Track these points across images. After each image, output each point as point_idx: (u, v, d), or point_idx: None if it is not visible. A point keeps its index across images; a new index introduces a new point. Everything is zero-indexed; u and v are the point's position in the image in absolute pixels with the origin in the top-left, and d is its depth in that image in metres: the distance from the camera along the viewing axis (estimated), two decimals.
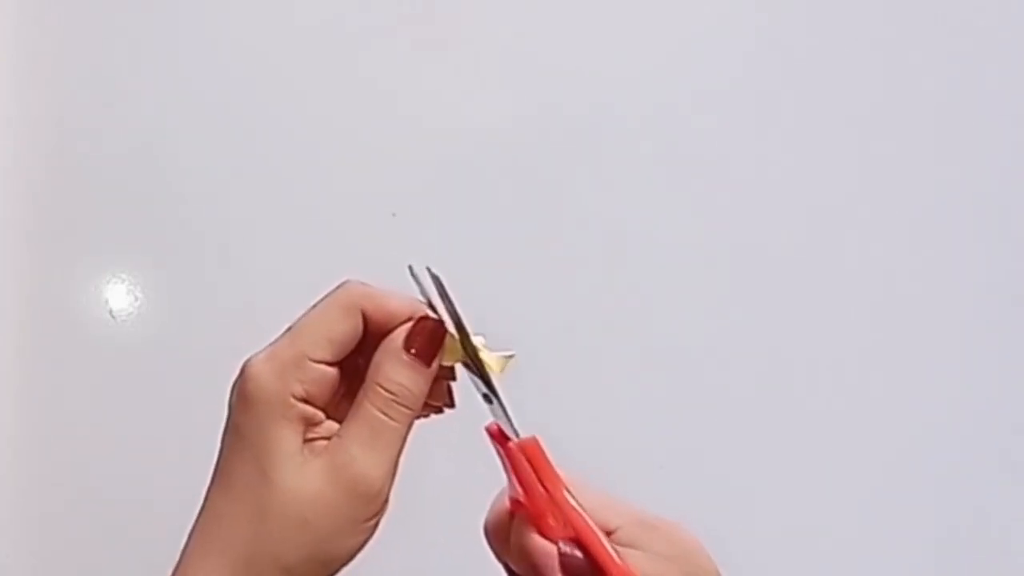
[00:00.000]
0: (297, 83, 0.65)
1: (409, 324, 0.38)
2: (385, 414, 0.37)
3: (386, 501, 0.38)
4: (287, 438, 0.37)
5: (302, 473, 0.37)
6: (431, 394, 0.40)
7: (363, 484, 0.37)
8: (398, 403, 0.37)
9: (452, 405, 0.42)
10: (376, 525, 0.38)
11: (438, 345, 0.38)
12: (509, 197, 0.65)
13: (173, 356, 0.61)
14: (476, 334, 0.40)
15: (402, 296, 0.39)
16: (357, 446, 0.37)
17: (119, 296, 0.62)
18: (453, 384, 0.41)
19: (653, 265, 0.66)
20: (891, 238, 0.67)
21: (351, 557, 0.38)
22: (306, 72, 0.65)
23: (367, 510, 0.37)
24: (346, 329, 0.38)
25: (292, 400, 0.37)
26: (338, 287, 0.40)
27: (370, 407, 0.37)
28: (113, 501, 0.59)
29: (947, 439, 0.66)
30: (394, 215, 0.64)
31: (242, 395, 0.38)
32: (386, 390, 0.37)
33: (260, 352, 0.38)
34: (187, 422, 0.59)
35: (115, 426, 0.60)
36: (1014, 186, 0.68)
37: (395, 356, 0.37)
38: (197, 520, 0.41)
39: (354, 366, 0.39)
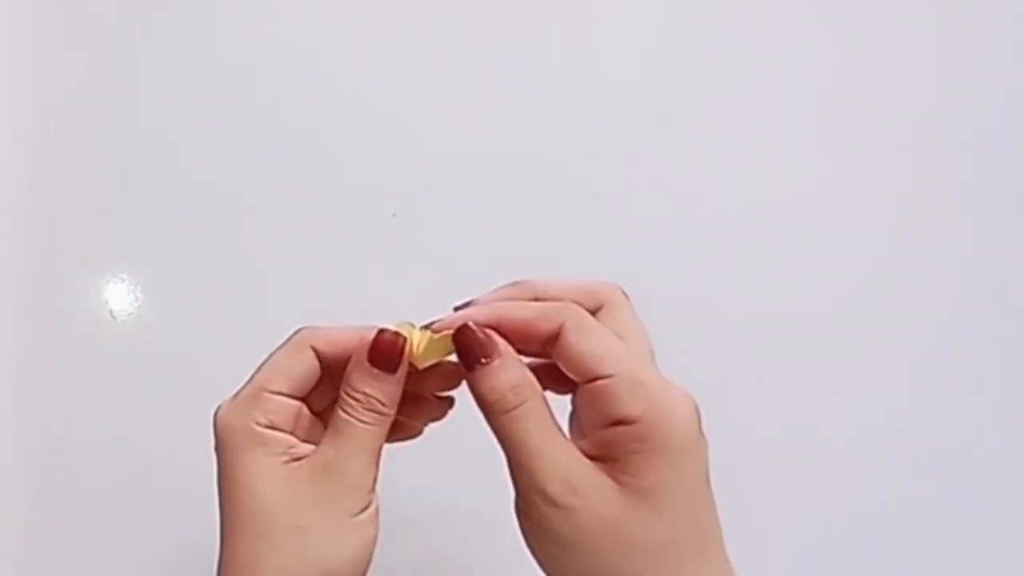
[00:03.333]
0: (298, 83, 0.65)
1: (371, 336, 0.40)
2: (353, 416, 0.40)
3: (370, 492, 0.40)
4: (262, 460, 0.40)
5: (285, 484, 0.39)
6: (421, 406, 0.44)
7: (338, 477, 0.39)
8: (368, 408, 0.40)
9: (444, 414, 0.45)
10: (369, 521, 0.40)
11: (398, 353, 0.40)
12: (511, 197, 0.65)
13: (173, 356, 0.61)
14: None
15: (349, 327, 0.42)
16: (330, 447, 0.40)
17: (119, 296, 0.62)
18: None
19: (655, 267, 0.66)
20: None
21: (360, 563, 0.40)
22: (307, 72, 0.65)
23: (350, 503, 0.39)
24: (297, 363, 0.41)
25: (256, 427, 0.40)
26: (292, 334, 0.42)
27: (340, 412, 0.40)
28: (112, 501, 0.59)
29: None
30: (394, 215, 0.64)
31: (216, 438, 0.41)
32: (352, 397, 0.40)
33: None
34: (187, 422, 0.59)
35: (115, 426, 0.60)
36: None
37: (358, 366, 0.40)
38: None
39: (331, 401, 0.42)
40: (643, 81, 0.68)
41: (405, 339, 0.40)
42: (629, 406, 0.38)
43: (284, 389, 0.41)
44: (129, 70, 0.65)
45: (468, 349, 0.40)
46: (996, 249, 0.68)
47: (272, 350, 0.44)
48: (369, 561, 0.41)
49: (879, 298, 0.67)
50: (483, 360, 0.39)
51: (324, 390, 0.42)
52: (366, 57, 0.66)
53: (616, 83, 0.68)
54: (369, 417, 0.40)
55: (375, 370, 0.40)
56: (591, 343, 0.39)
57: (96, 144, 0.63)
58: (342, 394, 0.40)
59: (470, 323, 0.40)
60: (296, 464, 0.40)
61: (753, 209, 0.66)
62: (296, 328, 0.43)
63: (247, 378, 0.43)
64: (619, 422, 0.38)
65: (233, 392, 0.43)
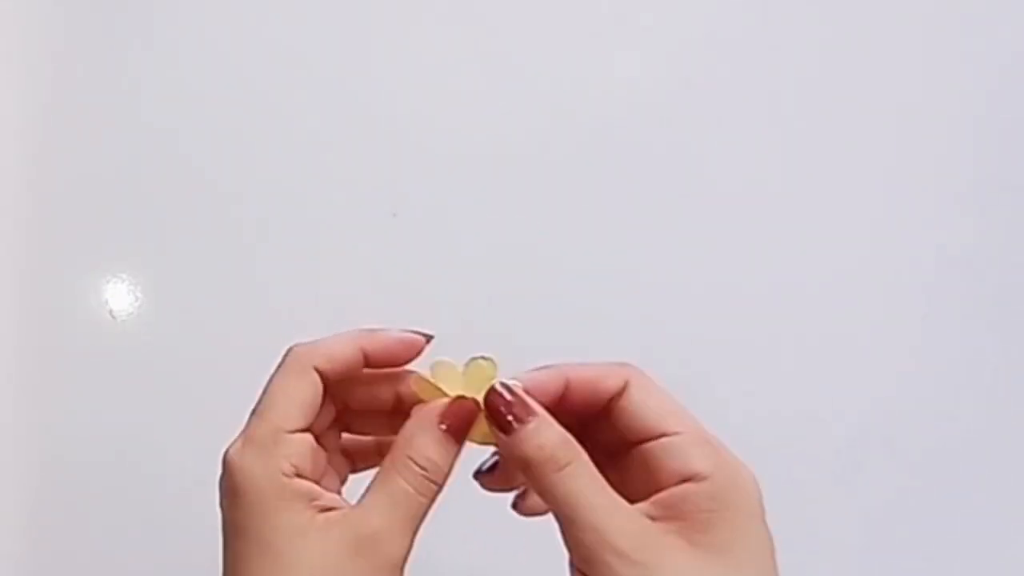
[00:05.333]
0: (298, 83, 0.65)
1: (445, 400, 0.38)
2: (413, 488, 0.37)
3: (403, 568, 0.37)
4: (292, 519, 0.36)
5: (320, 548, 0.36)
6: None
7: (384, 550, 0.36)
8: (428, 478, 0.37)
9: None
10: None
11: (470, 423, 0.38)
12: (511, 197, 0.65)
13: (174, 356, 0.61)
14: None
15: (342, 339, 0.39)
16: (379, 517, 0.36)
17: (119, 296, 0.62)
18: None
19: (656, 265, 0.66)
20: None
21: None
22: (307, 72, 0.65)
23: (379, 566, 0.36)
24: (308, 391, 0.38)
25: (284, 479, 0.37)
26: (284, 355, 0.39)
27: (400, 480, 0.37)
28: (113, 502, 0.59)
29: None
30: (394, 215, 0.64)
31: (232, 491, 0.37)
32: (418, 464, 0.37)
33: (234, 442, 0.38)
34: (188, 422, 0.59)
35: (115, 426, 0.60)
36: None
37: (427, 431, 0.37)
38: None
39: (329, 423, 0.40)
40: (643, 80, 0.68)
41: (480, 408, 0.38)
42: (701, 462, 0.37)
43: (301, 425, 0.38)
44: (129, 70, 0.65)
45: (502, 412, 0.37)
46: (995, 245, 0.68)
47: (271, 374, 0.40)
48: None
49: (879, 295, 0.67)
50: (521, 421, 0.37)
51: (323, 412, 0.39)
52: (366, 57, 0.66)
53: (616, 82, 0.68)
54: (430, 490, 0.37)
55: (444, 434, 0.37)
56: (658, 401, 0.38)
57: (96, 144, 0.63)
58: (405, 460, 0.37)
59: (497, 384, 0.37)
60: (323, 520, 0.36)
61: (753, 207, 0.66)
62: (288, 347, 0.40)
63: (252, 410, 0.39)
64: (689, 479, 0.36)
65: (244, 392, 0.39)
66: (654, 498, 0.37)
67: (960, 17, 0.70)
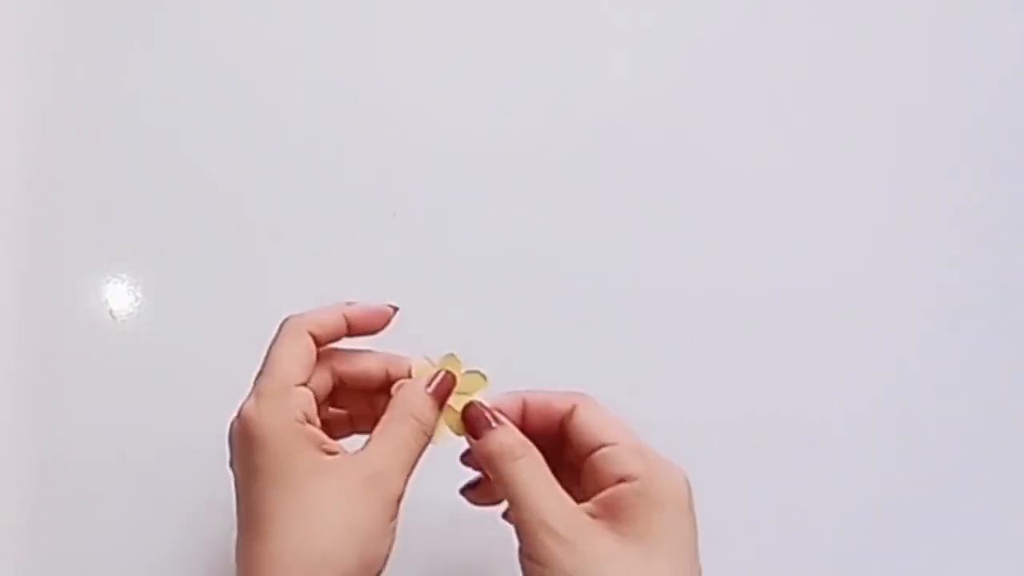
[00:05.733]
0: (298, 83, 0.65)
1: (434, 373, 0.48)
2: (412, 438, 0.46)
3: (398, 505, 0.45)
4: (308, 459, 0.44)
5: (336, 483, 0.43)
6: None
7: (387, 487, 0.44)
8: (423, 431, 0.46)
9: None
10: (395, 530, 0.45)
11: (449, 392, 0.48)
12: (512, 197, 0.65)
13: (174, 356, 0.61)
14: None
15: (329, 309, 0.48)
16: (384, 459, 0.45)
17: (119, 296, 0.62)
18: None
19: (656, 265, 0.66)
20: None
21: (385, 562, 0.44)
22: (307, 72, 0.66)
23: (391, 511, 0.44)
24: (305, 351, 0.46)
25: (297, 425, 0.44)
26: (281, 324, 0.48)
27: (403, 429, 0.46)
28: (113, 500, 0.59)
29: None
30: (394, 215, 0.64)
31: (251, 440, 0.44)
32: (415, 419, 0.46)
33: (246, 400, 0.45)
34: (188, 421, 0.59)
35: (115, 426, 0.60)
36: None
37: (420, 393, 0.47)
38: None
39: (321, 381, 0.48)
40: (644, 81, 0.68)
41: (454, 382, 0.49)
42: (632, 465, 0.44)
43: (303, 380, 0.46)
44: (129, 70, 0.65)
45: (476, 419, 0.46)
46: (995, 245, 0.68)
47: (269, 343, 0.47)
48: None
49: (879, 295, 0.67)
50: (489, 426, 0.46)
51: (322, 384, 0.48)
52: (366, 57, 0.66)
53: (618, 83, 0.68)
54: (422, 441, 0.46)
55: (433, 401, 0.47)
56: (600, 418, 0.46)
57: (96, 144, 0.63)
58: (404, 414, 0.46)
59: (476, 400, 0.47)
60: (333, 460, 0.44)
61: (754, 206, 0.66)
62: (283, 319, 0.48)
63: (257, 374, 0.46)
64: (622, 480, 0.43)
65: (245, 392, 0.46)
66: (595, 498, 0.44)
67: (960, 16, 0.70)
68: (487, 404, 0.47)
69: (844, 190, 0.68)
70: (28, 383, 0.60)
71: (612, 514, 0.43)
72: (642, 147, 0.67)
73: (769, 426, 0.64)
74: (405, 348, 0.51)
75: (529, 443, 0.45)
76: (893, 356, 0.66)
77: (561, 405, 0.47)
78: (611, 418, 0.47)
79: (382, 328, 0.49)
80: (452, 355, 0.49)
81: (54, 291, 0.61)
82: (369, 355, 0.49)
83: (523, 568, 0.44)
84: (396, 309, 0.49)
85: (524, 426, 0.47)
